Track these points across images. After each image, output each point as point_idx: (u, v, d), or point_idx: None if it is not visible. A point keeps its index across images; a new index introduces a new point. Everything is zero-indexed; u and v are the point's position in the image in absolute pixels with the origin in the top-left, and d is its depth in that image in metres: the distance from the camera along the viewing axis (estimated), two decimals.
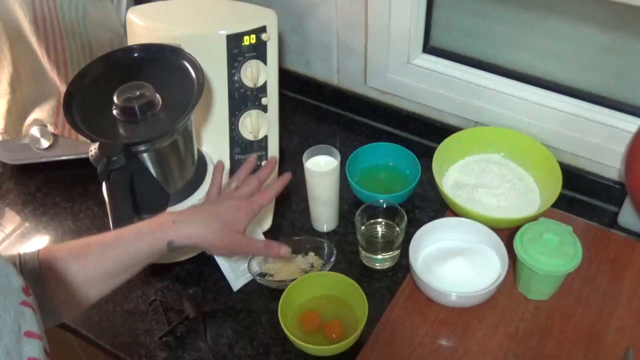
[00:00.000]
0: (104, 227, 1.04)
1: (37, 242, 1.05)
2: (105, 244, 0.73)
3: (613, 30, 0.94)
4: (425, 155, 1.06)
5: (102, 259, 0.72)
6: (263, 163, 1.04)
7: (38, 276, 0.68)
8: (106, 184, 0.82)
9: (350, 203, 1.07)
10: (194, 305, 0.91)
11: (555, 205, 0.95)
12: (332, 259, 0.95)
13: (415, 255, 0.92)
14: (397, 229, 0.95)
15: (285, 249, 0.83)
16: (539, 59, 1.04)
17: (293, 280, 0.90)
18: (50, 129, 1.09)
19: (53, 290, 0.69)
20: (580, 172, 1.05)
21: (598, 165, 1.03)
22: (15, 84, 1.08)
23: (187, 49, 0.90)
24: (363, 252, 0.97)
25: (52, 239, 1.06)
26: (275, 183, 0.88)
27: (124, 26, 1.05)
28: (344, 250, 1.00)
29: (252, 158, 0.90)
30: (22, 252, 0.70)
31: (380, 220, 0.98)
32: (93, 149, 0.81)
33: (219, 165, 0.89)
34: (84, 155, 1.07)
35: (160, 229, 0.75)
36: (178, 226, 0.75)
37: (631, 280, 0.92)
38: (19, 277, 0.49)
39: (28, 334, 0.46)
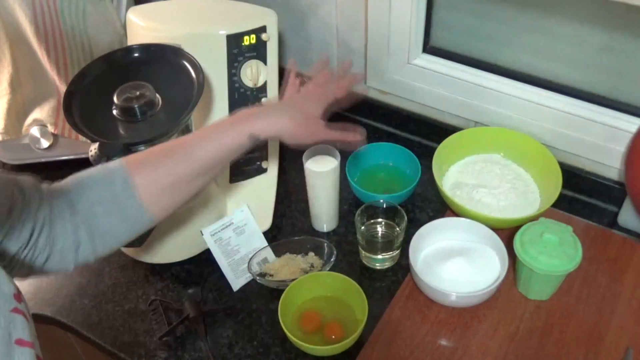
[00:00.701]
0: None
1: None
2: (189, 143, 0.74)
3: (613, 30, 0.94)
4: (425, 155, 1.06)
5: (188, 157, 0.73)
6: (263, 164, 1.04)
7: (127, 183, 0.69)
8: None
9: (350, 203, 1.07)
10: (194, 305, 0.91)
11: (555, 205, 0.95)
12: (332, 259, 0.95)
13: (415, 255, 0.92)
14: (397, 229, 0.95)
15: (360, 133, 0.85)
16: (539, 59, 1.04)
17: (293, 280, 0.90)
18: (50, 129, 1.09)
19: (143, 193, 0.70)
20: (580, 172, 1.05)
21: (598, 165, 1.03)
22: (15, 84, 1.08)
23: (187, 49, 0.90)
24: (363, 252, 0.97)
25: None
26: (349, 75, 0.89)
27: (124, 26, 1.05)
28: (344, 250, 1.00)
29: (325, 56, 0.93)
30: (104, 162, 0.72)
31: (380, 220, 0.98)
32: (93, 149, 0.81)
33: (291, 66, 0.90)
34: (84, 155, 1.07)
35: (241, 122, 0.75)
36: (258, 118, 0.76)
37: (631, 280, 0.92)
38: (11, 283, 0.48)
39: (19, 342, 0.46)
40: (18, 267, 0.63)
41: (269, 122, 0.76)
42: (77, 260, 0.69)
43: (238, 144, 0.75)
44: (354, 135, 0.84)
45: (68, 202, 0.67)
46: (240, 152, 0.76)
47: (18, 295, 0.48)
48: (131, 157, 0.72)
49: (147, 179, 0.70)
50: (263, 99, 0.99)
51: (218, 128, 0.76)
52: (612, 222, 1.02)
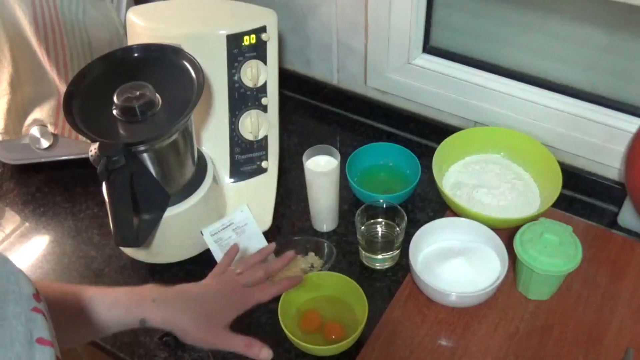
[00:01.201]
0: (103, 227, 1.05)
1: (37, 242, 1.05)
2: (80, 304, 0.70)
3: (613, 30, 0.94)
4: (425, 155, 1.06)
5: (74, 320, 0.70)
6: (263, 164, 1.04)
7: None
8: (106, 184, 0.83)
9: (350, 203, 1.07)
10: None
11: (555, 205, 0.95)
12: (332, 259, 0.95)
13: (415, 255, 0.92)
14: (397, 229, 0.95)
15: (266, 352, 0.74)
16: (539, 59, 1.04)
17: None
18: (50, 129, 1.09)
19: None
20: (580, 172, 1.05)
21: (598, 165, 1.03)
22: (15, 84, 1.08)
23: (187, 49, 0.90)
24: (363, 252, 0.97)
25: (52, 239, 1.06)
26: (282, 282, 0.84)
27: (124, 26, 1.05)
28: (344, 250, 1.00)
29: (268, 248, 0.88)
30: None
31: (380, 220, 0.98)
32: (93, 149, 0.81)
33: (233, 248, 0.86)
34: (84, 155, 1.07)
35: (138, 303, 0.72)
36: (156, 307, 0.72)
37: (631, 280, 0.92)
38: (30, 283, 0.48)
39: (40, 341, 0.46)
40: None
41: (167, 317, 0.72)
42: None
43: (128, 323, 0.72)
44: (257, 352, 0.74)
45: None
46: (129, 328, 0.73)
47: (37, 295, 0.49)
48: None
49: None
50: (263, 99, 0.99)
51: (114, 300, 0.72)
52: (612, 222, 1.02)
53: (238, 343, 0.75)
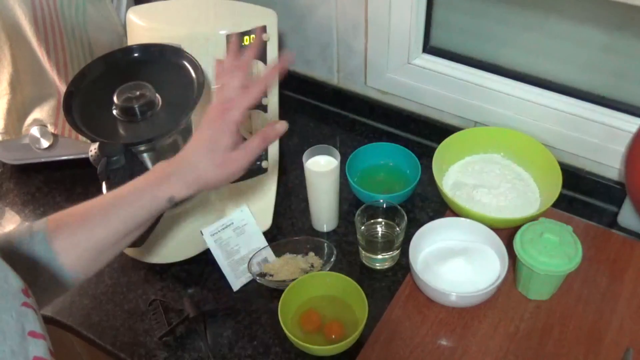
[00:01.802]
0: None
1: None
2: (105, 207, 0.71)
3: (613, 30, 0.94)
4: (425, 155, 1.06)
5: (105, 223, 0.70)
6: (263, 164, 1.04)
7: (47, 246, 0.68)
8: (106, 184, 0.82)
9: (350, 203, 1.07)
10: (194, 305, 0.91)
11: (555, 205, 0.95)
12: (332, 259, 0.95)
13: (415, 255, 0.92)
14: (397, 229, 0.95)
15: (279, 125, 0.74)
16: (539, 59, 1.04)
17: (293, 280, 0.90)
18: (50, 129, 1.09)
19: (64, 257, 0.68)
20: (580, 172, 1.05)
21: (598, 165, 1.03)
22: (15, 84, 1.08)
23: (187, 49, 0.90)
24: (363, 252, 0.97)
25: None
26: (264, 75, 0.75)
27: (124, 26, 1.05)
28: (344, 250, 1.00)
29: (235, 37, 0.79)
30: (33, 222, 0.70)
31: (380, 220, 0.98)
32: (93, 149, 0.81)
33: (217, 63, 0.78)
34: (84, 155, 1.07)
35: (159, 185, 0.71)
36: (175, 180, 0.71)
37: (631, 280, 0.92)
38: (18, 278, 0.49)
39: (32, 334, 0.46)
40: None
41: (185, 182, 0.71)
42: None
43: (156, 208, 0.72)
44: (274, 129, 0.75)
45: None
46: (160, 213, 0.73)
47: (26, 290, 0.49)
48: (54, 218, 0.70)
49: (66, 242, 0.69)
50: (263, 99, 0.99)
51: (135, 190, 0.71)
52: (612, 222, 1.02)
53: (253, 147, 0.73)
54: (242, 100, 0.73)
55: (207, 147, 0.72)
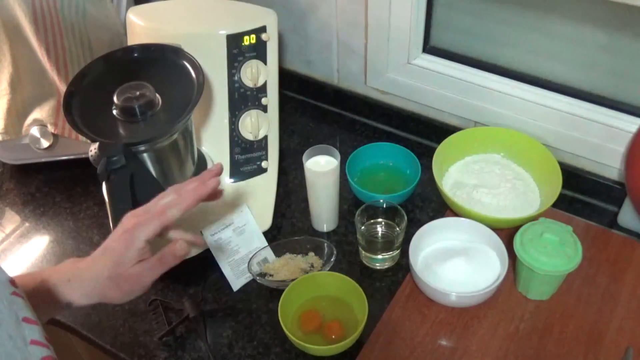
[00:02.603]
0: (103, 227, 1.05)
1: (37, 242, 1.05)
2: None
3: (613, 30, 0.94)
4: (425, 155, 1.06)
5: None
6: (263, 164, 1.04)
7: None
8: (106, 184, 0.83)
9: (350, 203, 1.07)
10: (194, 305, 0.91)
11: (555, 205, 0.95)
12: (332, 259, 0.95)
13: (415, 255, 0.92)
14: (397, 229, 0.95)
15: (181, 248, 0.70)
16: (539, 59, 1.04)
17: (293, 280, 0.90)
18: (50, 129, 1.09)
19: None
20: (580, 172, 1.05)
21: (598, 165, 1.03)
22: (15, 84, 1.08)
23: (187, 49, 0.90)
24: (363, 252, 0.97)
25: (52, 239, 1.06)
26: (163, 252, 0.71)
27: (124, 26, 1.05)
28: (344, 250, 1.00)
29: (214, 169, 0.78)
30: None
31: (380, 220, 0.98)
32: (93, 149, 0.81)
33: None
34: (84, 155, 1.07)
35: (61, 288, 0.68)
36: (77, 286, 0.69)
37: (631, 280, 0.92)
38: (3, 271, 0.49)
39: (26, 320, 0.47)
40: None
41: (86, 293, 0.69)
42: None
43: (53, 311, 0.70)
44: (171, 253, 0.70)
45: None
46: (55, 315, 0.70)
47: (13, 281, 0.49)
48: None
49: None
50: (263, 99, 0.99)
51: (37, 288, 0.68)
52: (612, 222, 1.02)
53: (153, 267, 0.70)
54: (156, 219, 0.70)
55: (112, 260, 0.69)
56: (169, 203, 0.72)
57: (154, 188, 0.89)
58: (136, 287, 0.70)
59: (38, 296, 0.67)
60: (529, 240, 0.86)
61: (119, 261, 0.69)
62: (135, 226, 0.70)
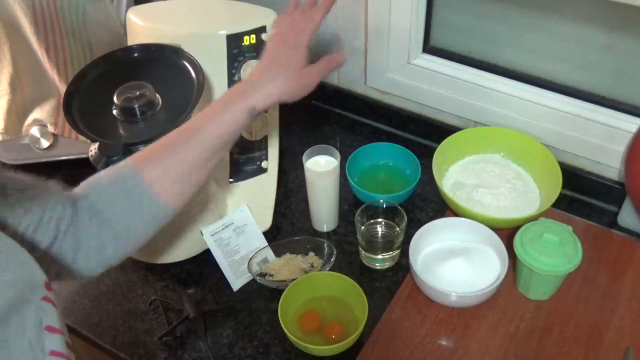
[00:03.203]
0: None
1: None
2: (189, 131, 0.74)
3: (613, 30, 0.94)
4: (425, 155, 1.06)
5: (191, 145, 0.73)
6: (263, 164, 1.04)
7: (137, 178, 0.70)
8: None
9: (350, 203, 1.07)
10: (194, 305, 0.91)
11: (555, 205, 0.95)
12: (332, 259, 0.95)
13: (415, 255, 0.92)
14: (397, 229, 0.95)
15: (341, 57, 0.82)
16: (539, 59, 1.04)
17: (293, 280, 0.90)
18: (50, 129, 1.09)
19: (157, 186, 0.71)
20: (580, 172, 1.05)
21: (598, 165, 1.03)
22: (15, 84, 1.08)
23: (187, 48, 0.90)
24: (363, 252, 0.97)
25: None
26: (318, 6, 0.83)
27: (124, 26, 1.05)
28: (344, 250, 1.00)
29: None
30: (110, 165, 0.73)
31: (380, 220, 0.98)
32: (93, 149, 0.81)
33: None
34: (84, 155, 1.07)
35: (238, 99, 0.75)
36: (254, 91, 0.75)
37: (631, 280, 0.92)
38: (42, 272, 0.50)
39: (49, 329, 0.48)
40: (46, 267, 0.65)
41: (265, 93, 0.75)
42: (103, 262, 0.72)
43: (238, 121, 0.74)
44: (337, 57, 0.82)
45: (87, 207, 0.69)
46: (242, 128, 0.76)
47: (48, 285, 0.50)
48: (137, 155, 0.73)
49: (156, 171, 0.71)
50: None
51: (216, 109, 0.74)
52: (612, 222, 1.02)
53: (322, 68, 0.80)
54: (307, 24, 0.80)
55: (280, 66, 0.77)
56: (309, 12, 0.82)
57: None
58: (310, 81, 0.79)
59: (216, 120, 0.73)
60: (529, 240, 0.86)
61: (287, 66, 0.77)
62: (297, 35, 0.79)
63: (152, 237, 0.75)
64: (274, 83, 0.76)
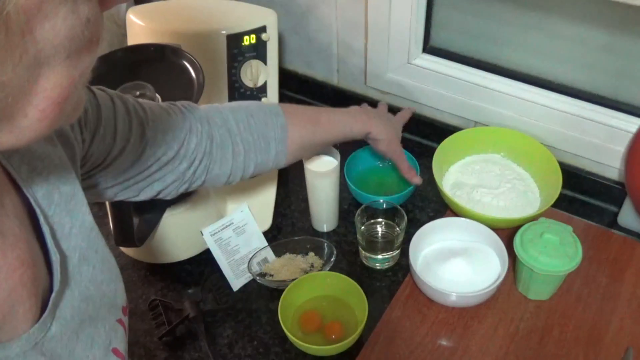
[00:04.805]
0: (103, 227, 1.05)
1: None
2: (330, 120, 0.89)
3: (613, 30, 0.94)
4: (425, 155, 1.06)
5: (327, 130, 0.88)
6: None
7: (284, 130, 0.82)
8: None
9: (350, 203, 1.07)
10: (194, 305, 0.91)
11: (555, 205, 0.95)
12: (332, 259, 0.95)
13: (415, 255, 0.92)
14: (397, 229, 0.95)
15: (418, 179, 1.01)
16: (539, 59, 1.04)
17: (293, 280, 0.90)
18: None
19: (290, 144, 0.84)
20: (580, 172, 1.05)
21: (598, 165, 1.03)
22: None
23: (187, 48, 0.90)
24: (363, 252, 0.97)
25: None
26: (406, 109, 1.10)
27: (124, 26, 1.05)
28: (344, 250, 1.00)
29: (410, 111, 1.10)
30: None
31: (380, 220, 0.98)
32: None
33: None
34: None
35: (366, 120, 0.92)
36: (378, 121, 0.94)
37: (631, 280, 0.92)
38: (124, 295, 0.51)
39: (115, 352, 0.48)
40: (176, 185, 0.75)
41: (383, 128, 0.93)
42: (225, 183, 0.81)
43: (356, 134, 0.91)
44: (415, 177, 1.01)
45: (228, 134, 0.78)
46: (349, 139, 0.92)
47: (125, 309, 0.51)
48: (288, 108, 0.84)
49: (297, 133, 0.83)
50: (263, 99, 0.99)
51: (349, 117, 0.91)
52: (612, 222, 1.02)
53: (405, 163, 1.00)
54: (400, 117, 1.06)
55: (395, 125, 1.02)
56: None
57: None
58: (398, 151, 0.99)
59: (346, 126, 0.91)
60: (529, 240, 0.86)
61: (397, 129, 1.02)
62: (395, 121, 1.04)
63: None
64: (389, 128, 0.95)
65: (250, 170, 0.81)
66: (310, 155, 0.94)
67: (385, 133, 0.93)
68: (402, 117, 1.05)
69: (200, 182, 0.78)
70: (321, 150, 0.94)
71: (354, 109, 0.94)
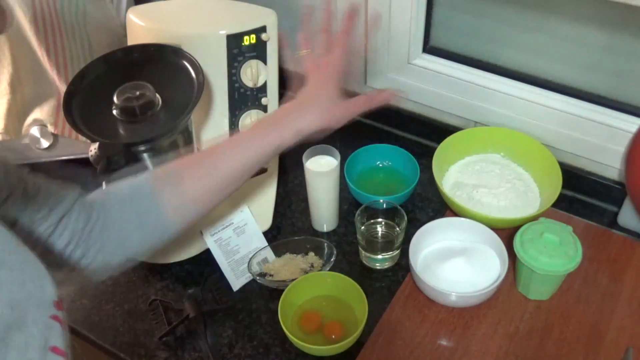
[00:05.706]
0: None
1: None
2: (214, 156, 0.74)
3: (613, 30, 0.94)
4: (425, 155, 1.06)
5: (213, 170, 0.72)
6: None
7: (151, 199, 0.71)
8: (106, 185, 0.82)
9: (350, 203, 1.07)
10: (194, 305, 0.91)
11: (555, 205, 0.95)
12: (332, 259, 0.95)
13: (415, 255, 0.92)
14: (397, 229, 0.95)
15: (389, 93, 0.83)
16: (539, 59, 1.04)
17: (293, 280, 0.90)
18: (50, 129, 1.09)
19: (168, 209, 0.72)
20: (580, 172, 1.05)
21: (598, 165, 1.03)
22: (15, 84, 1.08)
23: (187, 48, 0.90)
24: (363, 252, 0.97)
25: None
26: (345, 36, 0.85)
27: (124, 26, 1.05)
28: (344, 250, 1.00)
29: (308, 10, 0.87)
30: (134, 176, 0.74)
31: (380, 220, 0.98)
32: (93, 149, 0.81)
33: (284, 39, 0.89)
34: (84, 155, 1.07)
35: (268, 133, 0.74)
36: (283, 128, 0.75)
37: (631, 280, 0.92)
38: (54, 289, 0.49)
39: (54, 350, 0.46)
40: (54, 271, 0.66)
41: (295, 130, 0.75)
42: (108, 270, 0.73)
43: (265, 156, 0.75)
44: (383, 95, 0.82)
45: (102, 216, 0.70)
46: (266, 163, 0.75)
47: (59, 303, 0.49)
48: (158, 171, 0.74)
49: (171, 194, 0.72)
50: (263, 99, 0.99)
51: (243, 140, 0.75)
52: (612, 222, 1.02)
53: (358, 103, 0.80)
54: (337, 51, 0.82)
55: (314, 99, 0.78)
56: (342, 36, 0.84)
57: None
58: (339, 117, 0.79)
59: (243, 151, 0.73)
60: (529, 240, 0.86)
61: (321, 99, 0.78)
62: (328, 69, 0.82)
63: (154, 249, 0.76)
64: (303, 120, 0.76)
65: (127, 255, 0.74)
66: (217, 203, 0.77)
67: (305, 128, 0.76)
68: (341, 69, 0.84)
69: (86, 260, 0.70)
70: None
71: (265, 119, 0.80)
